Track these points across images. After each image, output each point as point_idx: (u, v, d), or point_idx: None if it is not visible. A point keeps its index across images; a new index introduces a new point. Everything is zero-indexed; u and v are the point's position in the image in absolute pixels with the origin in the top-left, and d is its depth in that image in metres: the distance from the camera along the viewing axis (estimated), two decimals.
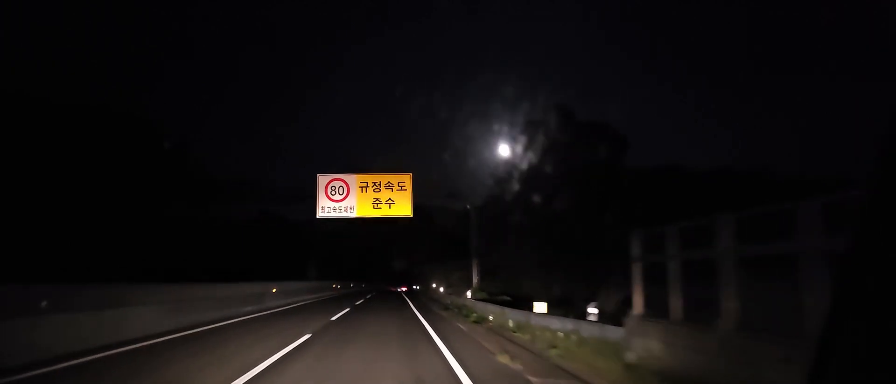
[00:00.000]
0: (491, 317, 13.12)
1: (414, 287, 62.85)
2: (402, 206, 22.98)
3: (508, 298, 17.63)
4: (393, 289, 65.32)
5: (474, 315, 14.49)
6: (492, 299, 17.09)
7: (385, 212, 23.04)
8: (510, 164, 32.02)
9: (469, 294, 18.13)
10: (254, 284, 19.96)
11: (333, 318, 15.10)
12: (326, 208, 22.98)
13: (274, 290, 20.97)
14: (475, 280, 22.83)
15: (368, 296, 33.05)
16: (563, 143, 34.13)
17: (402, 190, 23.21)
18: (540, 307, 10.82)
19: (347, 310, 19.57)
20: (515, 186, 29.16)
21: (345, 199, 23.12)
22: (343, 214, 23.04)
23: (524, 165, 32.47)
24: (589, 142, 35.18)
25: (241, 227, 35.32)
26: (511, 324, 11.32)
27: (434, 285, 37.43)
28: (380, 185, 23.27)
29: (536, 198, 28.15)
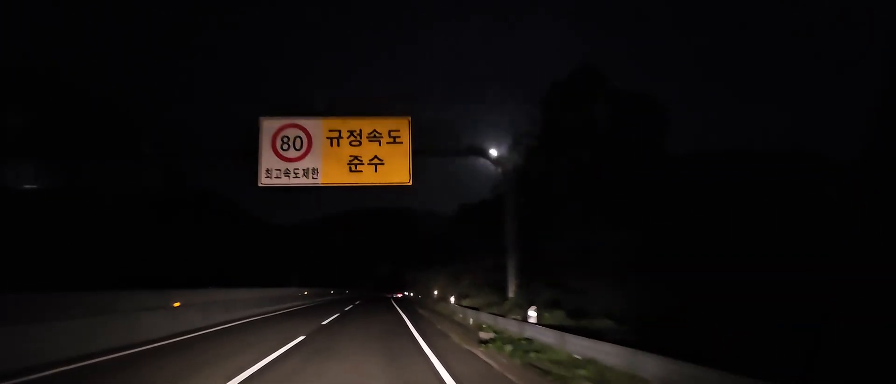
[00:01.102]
0: None
1: (407, 293, 54.02)
2: (395, 168, 14.41)
3: (613, 324, 9.03)
4: (387, 296, 56.60)
5: None
6: (579, 328, 8.54)
7: (368, 177, 14.44)
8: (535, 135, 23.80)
9: (532, 315, 9.31)
10: (120, 296, 11.25)
11: (241, 378, 6.48)
12: (274, 172, 14.34)
13: (176, 305, 12.22)
14: (512, 288, 14.18)
15: (348, 309, 24.28)
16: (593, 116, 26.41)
17: (395, 143, 14.65)
18: None
19: (300, 339, 10.86)
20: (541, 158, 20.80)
21: (304, 157, 14.48)
22: (300, 181, 14.41)
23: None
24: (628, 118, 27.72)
25: (151, 209, 26.22)
26: None
27: (436, 292, 28.86)
28: (360, 135, 14.66)
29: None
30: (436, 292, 29.39)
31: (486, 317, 12.43)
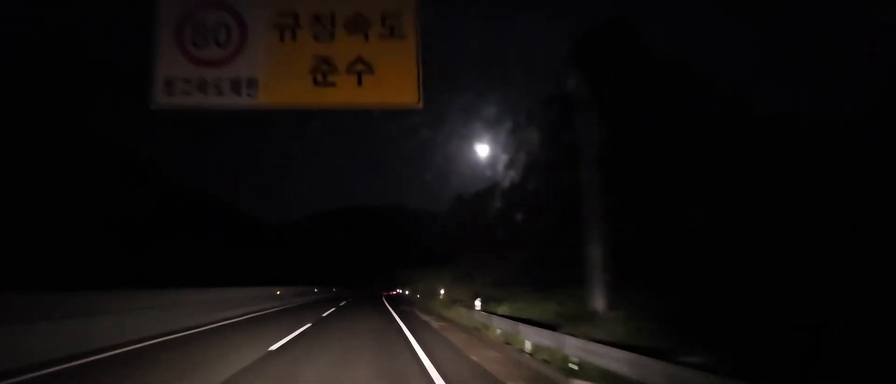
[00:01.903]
0: None
1: (403, 291, 48.34)
2: (393, 79, 7.99)
3: None
4: (382, 294, 51.27)
5: None
6: None
7: (347, 94, 8.04)
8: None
9: None
10: None
11: None
12: (179, 83, 7.90)
13: None
14: (599, 295, 8.02)
15: (329, 313, 18.25)
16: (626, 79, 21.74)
17: (393, 36, 8.20)
18: None
19: None
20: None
21: (233, 59, 8.01)
22: (225, 100, 7.95)
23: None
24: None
25: None
26: None
27: (443, 292, 22.91)
28: (332, 21, 8.21)
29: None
30: (442, 292, 23.43)
31: (577, 348, 6.29)
